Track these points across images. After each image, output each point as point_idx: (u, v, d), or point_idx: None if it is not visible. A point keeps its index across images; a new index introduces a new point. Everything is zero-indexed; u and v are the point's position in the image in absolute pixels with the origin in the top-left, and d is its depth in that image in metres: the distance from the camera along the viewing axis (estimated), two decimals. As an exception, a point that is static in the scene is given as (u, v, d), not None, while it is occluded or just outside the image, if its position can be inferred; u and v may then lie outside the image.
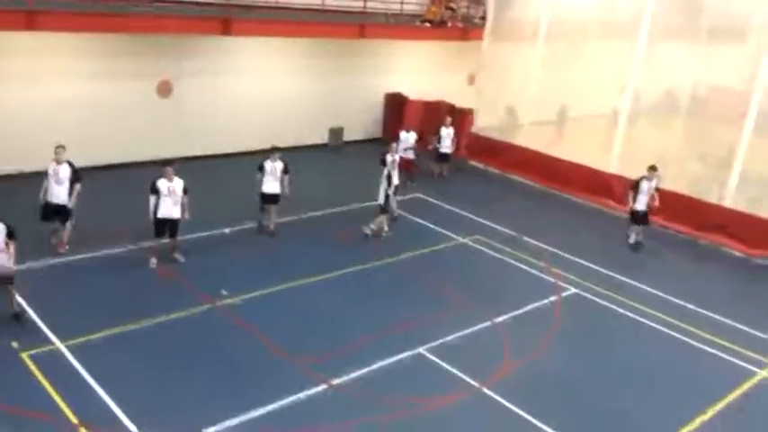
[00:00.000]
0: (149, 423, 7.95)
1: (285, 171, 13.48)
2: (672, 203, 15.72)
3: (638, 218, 14.99)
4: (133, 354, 9.35)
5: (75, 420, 7.89)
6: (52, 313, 9.93)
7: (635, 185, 14.84)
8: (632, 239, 15.11)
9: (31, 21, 13.40)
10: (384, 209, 14.11)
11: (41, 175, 11.80)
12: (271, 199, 13.52)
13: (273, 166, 13.39)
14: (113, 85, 16.39)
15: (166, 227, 11.81)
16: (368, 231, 14.08)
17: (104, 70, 16.16)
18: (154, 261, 11.93)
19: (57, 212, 11.79)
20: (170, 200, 11.59)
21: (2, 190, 13.66)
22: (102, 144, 16.30)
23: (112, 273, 11.51)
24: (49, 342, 9.34)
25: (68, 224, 11.91)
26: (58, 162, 11.62)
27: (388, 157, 14.42)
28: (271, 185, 13.39)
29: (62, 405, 8.10)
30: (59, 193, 11.63)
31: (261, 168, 13.41)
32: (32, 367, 8.73)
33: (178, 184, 11.67)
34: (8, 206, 12.40)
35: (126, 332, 9.80)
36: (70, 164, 11.70)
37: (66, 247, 11.91)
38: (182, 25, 15.82)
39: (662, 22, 16.84)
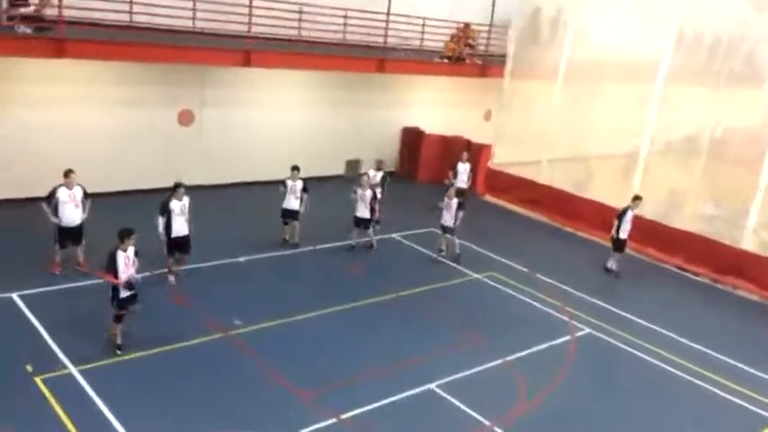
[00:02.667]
0: (158, 452, 7.95)
1: (304, 189, 14.45)
2: (688, 245, 15.57)
3: (622, 245, 15.25)
4: (144, 381, 9.39)
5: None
6: (66, 337, 10.01)
7: (621, 214, 15.02)
8: (614, 266, 15.34)
9: (60, 49, 13.72)
10: (446, 231, 15.03)
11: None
12: (290, 214, 14.54)
13: (294, 185, 14.36)
14: (135, 114, 16.69)
15: (178, 245, 12.19)
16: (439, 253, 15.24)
17: (126, 98, 16.47)
18: (172, 279, 12.32)
19: (75, 235, 12.05)
20: (182, 218, 12.08)
21: (22, 215, 13.83)
22: (122, 170, 16.58)
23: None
24: (63, 366, 9.40)
25: (83, 242, 12.20)
26: (69, 186, 11.84)
27: (358, 191, 14.92)
28: (290, 202, 14.44)
29: (73, 431, 8.12)
30: (76, 216, 11.91)
31: (283, 184, 14.43)
32: (46, 392, 8.77)
33: (187, 202, 12.17)
34: (31, 229, 12.65)
35: (138, 359, 9.85)
36: (81, 186, 12.04)
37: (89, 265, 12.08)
38: (204, 56, 16.17)
39: (680, 66, 16.94)
